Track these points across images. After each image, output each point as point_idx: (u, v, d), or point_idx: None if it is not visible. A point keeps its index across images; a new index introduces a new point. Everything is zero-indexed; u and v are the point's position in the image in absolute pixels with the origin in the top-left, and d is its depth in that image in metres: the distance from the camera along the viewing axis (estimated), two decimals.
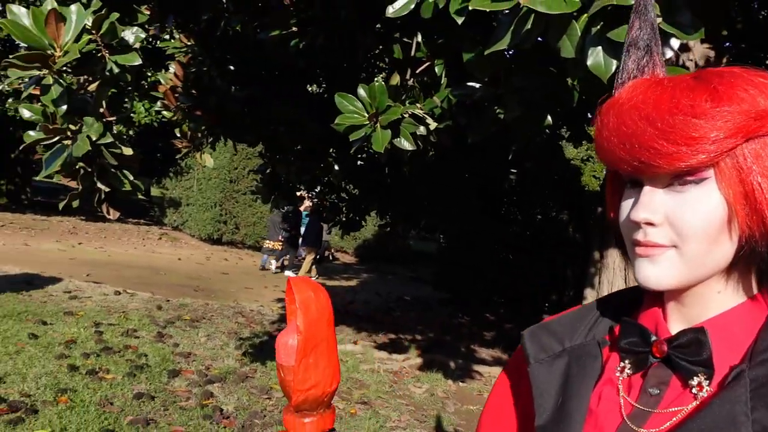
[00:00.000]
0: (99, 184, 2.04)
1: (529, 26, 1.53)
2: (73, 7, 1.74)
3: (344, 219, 5.90)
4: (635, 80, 0.70)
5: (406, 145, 2.54)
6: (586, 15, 1.47)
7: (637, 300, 0.78)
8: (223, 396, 4.27)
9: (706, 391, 0.65)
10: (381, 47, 3.22)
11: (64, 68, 1.85)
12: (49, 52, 1.74)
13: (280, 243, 11.93)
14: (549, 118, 2.22)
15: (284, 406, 0.87)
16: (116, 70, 1.93)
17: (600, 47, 1.48)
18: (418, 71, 2.72)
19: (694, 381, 0.66)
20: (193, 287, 8.73)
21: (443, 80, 2.64)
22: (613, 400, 0.71)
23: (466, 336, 7.57)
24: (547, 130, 2.88)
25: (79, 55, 1.70)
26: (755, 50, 3.86)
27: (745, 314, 0.68)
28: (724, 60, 3.63)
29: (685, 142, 0.61)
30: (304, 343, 0.80)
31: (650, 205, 0.66)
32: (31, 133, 1.96)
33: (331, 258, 15.20)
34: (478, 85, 2.22)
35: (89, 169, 1.99)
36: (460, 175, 5.69)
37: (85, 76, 2.08)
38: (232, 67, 3.34)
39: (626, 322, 0.73)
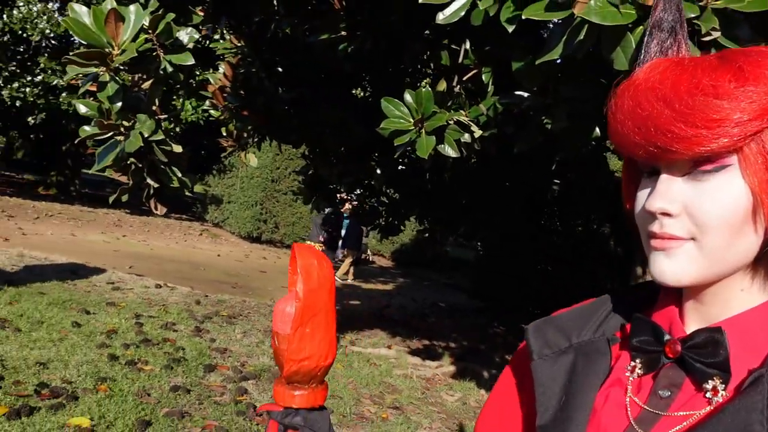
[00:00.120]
0: (148, 180, 2.09)
1: (581, 37, 1.51)
2: (132, 7, 1.79)
3: (383, 223, 5.92)
4: (654, 60, 0.65)
5: (450, 152, 2.53)
6: (641, 27, 1.45)
7: (653, 296, 0.73)
8: (257, 393, 4.31)
9: (722, 395, 0.60)
10: (428, 53, 3.22)
11: (121, 66, 1.90)
12: (107, 50, 1.79)
13: (321, 244, 12.03)
14: (597, 129, 2.19)
15: (276, 378, 0.86)
16: (170, 69, 1.97)
17: None
18: (465, 78, 2.71)
19: (709, 384, 0.61)
20: (232, 284, 8.85)
21: (490, 88, 2.64)
22: (620, 401, 0.67)
23: (501, 346, 7.50)
24: (593, 142, 2.84)
25: (135, 54, 1.74)
26: None
27: None
28: None
29: (705, 125, 0.56)
30: (302, 311, 0.77)
31: (667, 194, 0.61)
32: (86, 128, 2.02)
33: (369, 260, 15.24)
34: (526, 94, 2.20)
35: (140, 165, 2.04)
36: (502, 182, 5.65)
37: (140, 75, 2.13)
38: (280, 69, 3.39)
39: (639, 319, 0.68)
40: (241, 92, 3.42)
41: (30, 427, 3.08)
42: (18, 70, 13.08)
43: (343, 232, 12.04)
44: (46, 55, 13.39)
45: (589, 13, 1.42)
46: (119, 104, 1.92)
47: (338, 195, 5.40)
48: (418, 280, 13.43)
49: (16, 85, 13.07)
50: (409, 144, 2.47)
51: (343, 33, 2.68)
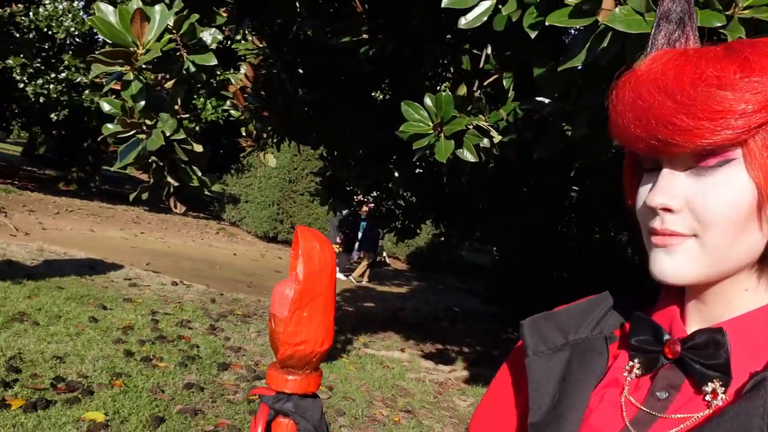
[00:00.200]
0: (169, 179, 2.11)
1: (605, 44, 1.51)
2: (157, 8, 1.81)
3: (400, 226, 5.92)
4: (657, 51, 0.62)
5: (469, 156, 2.53)
6: None
7: (655, 295, 0.70)
8: None
9: (721, 399, 0.58)
10: (449, 57, 3.22)
11: (144, 65, 1.92)
12: (131, 49, 1.81)
13: (338, 246, 12.05)
14: None
15: (270, 362, 0.85)
16: (192, 69, 1.99)
17: None
18: (485, 83, 2.71)
19: (708, 387, 0.59)
20: (247, 283, 8.90)
21: (510, 93, 2.63)
22: (616, 401, 0.65)
23: None
24: (614, 149, 2.82)
25: (160, 54, 1.76)
26: None
27: None
28: None
29: (708, 117, 0.54)
30: (301, 294, 0.76)
31: (669, 189, 0.59)
32: (109, 125, 2.04)
33: (385, 262, 15.25)
34: (547, 101, 2.19)
35: (161, 164, 2.05)
36: (520, 188, 5.63)
37: (163, 74, 2.15)
38: (301, 71, 3.40)
39: (638, 318, 0.66)
40: (262, 93, 3.44)
41: (46, 420, 3.11)
42: (42, 67, 13.27)
43: (360, 234, 12.07)
44: (70, 52, 13.57)
45: (614, 20, 1.42)
46: (142, 103, 1.94)
47: (356, 197, 5.41)
48: (432, 284, 13.41)
49: (40, 81, 13.27)
50: (427, 148, 2.46)
51: (365, 36, 2.68)
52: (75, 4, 13.41)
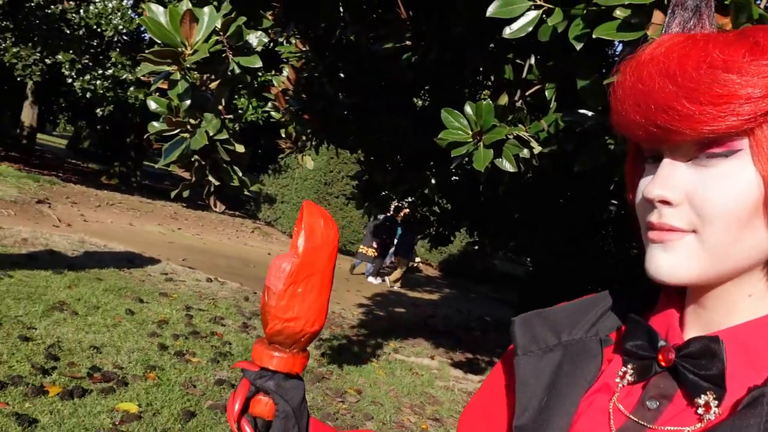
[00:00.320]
0: (210, 177, 2.14)
1: None
2: (206, 9, 1.84)
3: (434, 232, 5.90)
4: (662, 36, 0.57)
5: (508, 166, 2.51)
6: None
7: (656, 296, 0.66)
8: None
9: (714, 413, 0.53)
10: (491, 66, 3.20)
11: (191, 66, 1.96)
12: (180, 49, 1.85)
13: (374, 250, 12.06)
14: None
15: (258, 337, 0.82)
16: (237, 70, 2.02)
17: None
18: (527, 93, 2.69)
19: (701, 399, 0.54)
20: None
21: (552, 104, 2.60)
22: (605, 408, 0.61)
23: None
24: None
25: (207, 55, 1.80)
26: None
27: None
28: None
29: (711, 101, 0.50)
30: (299, 268, 0.73)
31: (668, 180, 0.54)
32: (155, 124, 2.08)
33: (417, 268, 15.23)
34: (590, 113, 2.17)
35: (203, 163, 2.09)
36: (557, 199, 5.57)
37: (208, 75, 2.20)
38: (342, 75, 3.43)
39: (634, 321, 0.62)
40: (303, 96, 3.47)
41: (81, 408, 3.18)
42: (90, 63, 13.63)
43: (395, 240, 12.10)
44: (117, 49, 13.91)
45: None
46: (188, 102, 1.97)
47: (394, 203, 5.42)
48: (464, 292, 13.34)
49: (87, 77, 13.63)
50: (466, 156, 2.45)
51: (408, 42, 2.69)
52: (124, 2, 13.75)
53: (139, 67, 2.03)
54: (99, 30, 13.39)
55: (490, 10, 1.89)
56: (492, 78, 3.81)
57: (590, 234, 7.71)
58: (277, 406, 0.76)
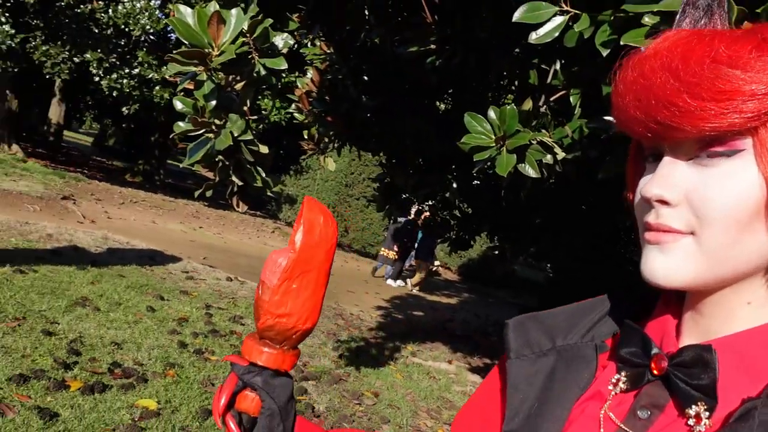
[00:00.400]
0: (234, 178, 2.16)
1: None
2: (234, 11, 1.86)
3: (454, 236, 5.89)
4: (667, 31, 0.56)
5: (531, 172, 2.50)
6: None
7: (654, 302, 0.64)
8: (316, 395, 4.37)
9: (705, 425, 0.52)
10: (516, 70, 3.19)
11: (218, 67, 1.98)
12: (207, 50, 1.87)
13: (395, 253, 12.07)
14: None
15: (249, 332, 0.81)
16: (263, 72, 2.04)
17: None
18: (552, 98, 2.67)
19: (692, 410, 0.52)
20: None
21: (577, 110, 2.58)
22: (596, 416, 0.59)
23: None
24: None
25: (233, 56, 1.81)
26: None
27: None
28: None
29: (713, 97, 0.47)
30: (295, 263, 0.73)
31: (667, 179, 0.52)
32: (181, 123, 2.11)
33: (437, 271, 15.20)
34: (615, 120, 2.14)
35: (227, 163, 2.11)
36: (579, 205, 5.52)
37: (233, 76, 2.21)
38: (366, 78, 3.44)
39: (628, 327, 0.60)
40: (326, 98, 3.49)
41: (102, 403, 3.22)
42: (117, 62, 13.81)
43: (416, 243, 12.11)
44: (144, 49, 14.08)
45: None
46: (213, 103, 1.99)
47: (415, 206, 5.42)
48: (483, 297, 13.29)
49: (114, 76, 13.82)
50: (488, 160, 2.44)
51: (433, 46, 2.69)
52: (151, 3, 13.92)
53: (165, 67, 2.05)
54: (127, 30, 13.57)
55: (516, 15, 1.89)
56: (516, 83, 3.79)
57: (614, 241, 7.64)
58: (263, 403, 0.75)
